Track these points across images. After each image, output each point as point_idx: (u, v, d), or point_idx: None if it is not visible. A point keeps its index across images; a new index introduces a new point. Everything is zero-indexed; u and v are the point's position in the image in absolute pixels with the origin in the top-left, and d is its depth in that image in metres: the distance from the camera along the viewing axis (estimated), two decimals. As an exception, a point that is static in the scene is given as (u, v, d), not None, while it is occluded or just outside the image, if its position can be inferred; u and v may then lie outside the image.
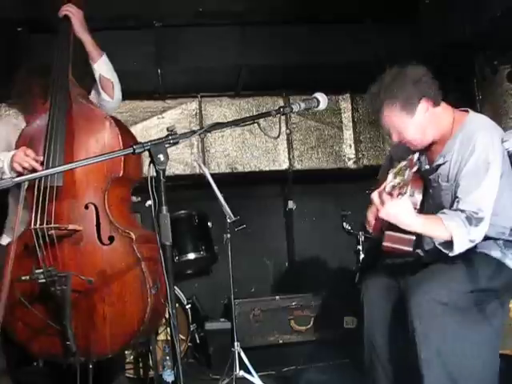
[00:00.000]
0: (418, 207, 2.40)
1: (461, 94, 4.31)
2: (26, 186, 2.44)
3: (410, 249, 2.42)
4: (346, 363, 3.78)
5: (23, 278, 2.38)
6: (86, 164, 1.96)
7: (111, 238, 2.58)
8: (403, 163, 2.15)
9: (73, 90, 2.76)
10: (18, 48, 3.88)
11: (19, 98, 3.05)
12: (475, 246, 2.31)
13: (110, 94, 2.95)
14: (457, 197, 2.30)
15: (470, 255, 2.33)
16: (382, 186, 2.17)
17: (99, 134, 2.68)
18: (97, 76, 2.93)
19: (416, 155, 2.14)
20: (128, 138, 2.75)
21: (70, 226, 2.53)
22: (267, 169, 4.89)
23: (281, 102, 4.88)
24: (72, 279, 2.40)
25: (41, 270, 2.35)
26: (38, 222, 2.51)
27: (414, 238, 2.39)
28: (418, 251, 2.54)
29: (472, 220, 2.23)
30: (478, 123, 2.38)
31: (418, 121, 2.37)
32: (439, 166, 2.44)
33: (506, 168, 2.40)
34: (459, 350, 2.19)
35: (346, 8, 4.10)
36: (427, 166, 2.52)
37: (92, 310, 2.50)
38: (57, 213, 2.57)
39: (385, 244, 2.38)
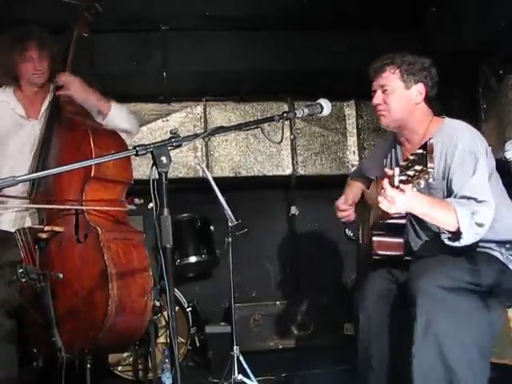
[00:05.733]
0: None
1: (465, 102, 4.31)
2: None
3: (401, 252, 2.46)
4: (347, 369, 3.76)
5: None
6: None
7: (86, 236, 2.71)
8: (416, 153, 1.91)
9: (65, 109, 2.94)
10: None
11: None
12: (478, 246, 2.32)
13: (130, 137, 3.06)
14: (453, 191, 2.30)
15: (474, 254, 2.33)
16: (386, 182, 2.02)
17: (76, 140, 2.83)
18: (111, 127, 2.96)
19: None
20: (102, 141, 2.82)
21: (46, 228, 2.66)
22: (271, 174, 4.88)
23: (286, 108, 4.86)
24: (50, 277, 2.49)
25: (21, 270, 2.45)
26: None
27: (402, 240, 2.44)
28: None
29: (474, 204, 2.22)
30: (456, 124, 2.45)
31: (409, 96, 2.44)
32: None
33: (494, 170, 2.44)
34: (455, 335, 2.17)
35: (353, 15, 4.11)
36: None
37: (69, 305, 2.63)
38: (47, 216, 2.81)
39: (375, 252, 2.43)
